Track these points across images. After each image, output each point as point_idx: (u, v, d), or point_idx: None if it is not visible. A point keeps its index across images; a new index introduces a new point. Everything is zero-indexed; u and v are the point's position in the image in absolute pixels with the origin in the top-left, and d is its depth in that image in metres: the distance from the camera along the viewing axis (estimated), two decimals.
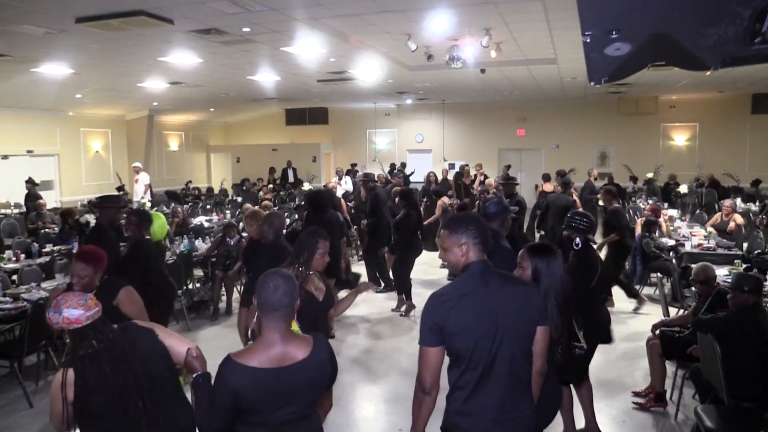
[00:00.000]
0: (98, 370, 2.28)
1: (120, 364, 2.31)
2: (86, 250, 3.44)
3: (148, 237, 5.24)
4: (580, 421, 4.06)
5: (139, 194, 13.13)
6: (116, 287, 3.41)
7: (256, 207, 10.39)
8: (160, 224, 5.80)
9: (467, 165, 14.62)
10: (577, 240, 4.19)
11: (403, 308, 7.37)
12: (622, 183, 16.72)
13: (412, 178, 15.58)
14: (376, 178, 10.90)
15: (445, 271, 8.80)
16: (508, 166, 15.86)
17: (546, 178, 12.92)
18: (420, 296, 7.83)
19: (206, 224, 10.38)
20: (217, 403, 2.14)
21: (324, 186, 14.75)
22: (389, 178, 13.41)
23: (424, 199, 10.56)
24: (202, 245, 8.25)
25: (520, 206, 7.60)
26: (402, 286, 7.44)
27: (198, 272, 8.25)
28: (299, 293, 2.29)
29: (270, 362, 2.14)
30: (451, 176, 14.09)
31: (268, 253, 4.37)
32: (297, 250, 3.37)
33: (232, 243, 7.48)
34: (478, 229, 2.41)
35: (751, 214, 9.54)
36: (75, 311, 2.28)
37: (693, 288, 5.34)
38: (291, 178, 17.62)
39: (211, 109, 18.52)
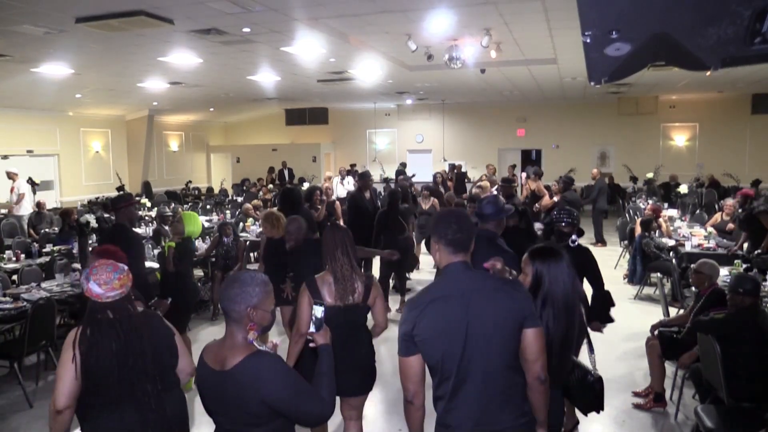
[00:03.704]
0: (111, 336, 2.33)
1: (133, 341, 2.35)
2: (106, 248, 3.42)
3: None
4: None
5: (12, 202, 11.36)
6: None
7: (252, 207, 10.46)
8: (195, 223, 5.55)
9: (460, 164, 14.58)
10: (574, 237, 4.16)
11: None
12: (622, 183, 16.75)
13: (413, 179, 15.50)
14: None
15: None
16: (513, 166, 15.36)
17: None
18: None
19: (206, 224, 10.37)
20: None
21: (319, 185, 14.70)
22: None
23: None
24: (201, 245, 8.24)
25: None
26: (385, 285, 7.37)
27: (198, 272, 8.26)
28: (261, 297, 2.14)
29: (211, 362, 2.12)
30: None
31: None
32: (339, 247, 3.27)
33: (227, 242, 7.44)
34: (447, 228, 2.21)
35: None
36: (98, 288, 2.35)
37: (693, 288, 5.34)
38: (287, 178, 17.65)
39: (211, 109, 18.53)
